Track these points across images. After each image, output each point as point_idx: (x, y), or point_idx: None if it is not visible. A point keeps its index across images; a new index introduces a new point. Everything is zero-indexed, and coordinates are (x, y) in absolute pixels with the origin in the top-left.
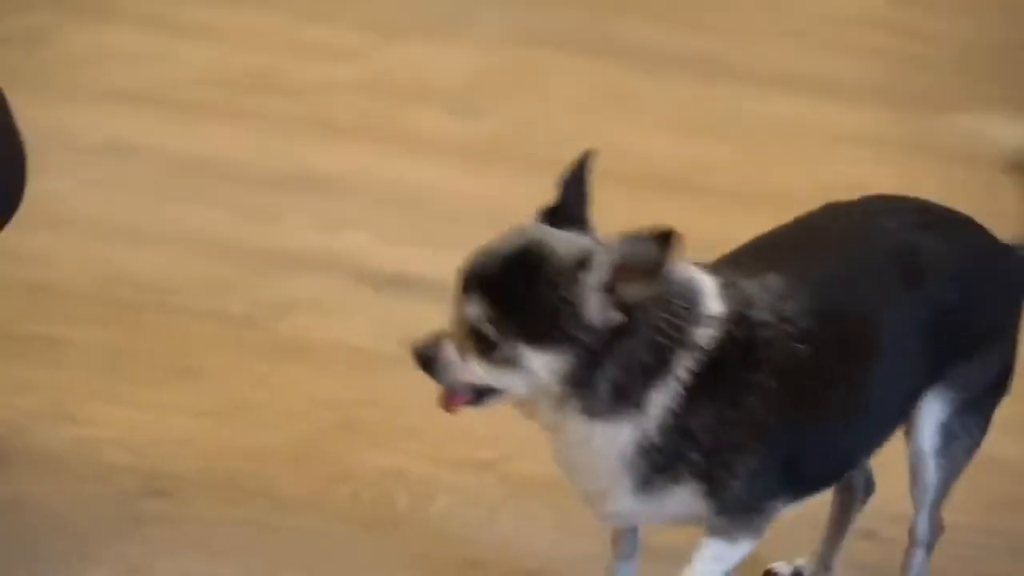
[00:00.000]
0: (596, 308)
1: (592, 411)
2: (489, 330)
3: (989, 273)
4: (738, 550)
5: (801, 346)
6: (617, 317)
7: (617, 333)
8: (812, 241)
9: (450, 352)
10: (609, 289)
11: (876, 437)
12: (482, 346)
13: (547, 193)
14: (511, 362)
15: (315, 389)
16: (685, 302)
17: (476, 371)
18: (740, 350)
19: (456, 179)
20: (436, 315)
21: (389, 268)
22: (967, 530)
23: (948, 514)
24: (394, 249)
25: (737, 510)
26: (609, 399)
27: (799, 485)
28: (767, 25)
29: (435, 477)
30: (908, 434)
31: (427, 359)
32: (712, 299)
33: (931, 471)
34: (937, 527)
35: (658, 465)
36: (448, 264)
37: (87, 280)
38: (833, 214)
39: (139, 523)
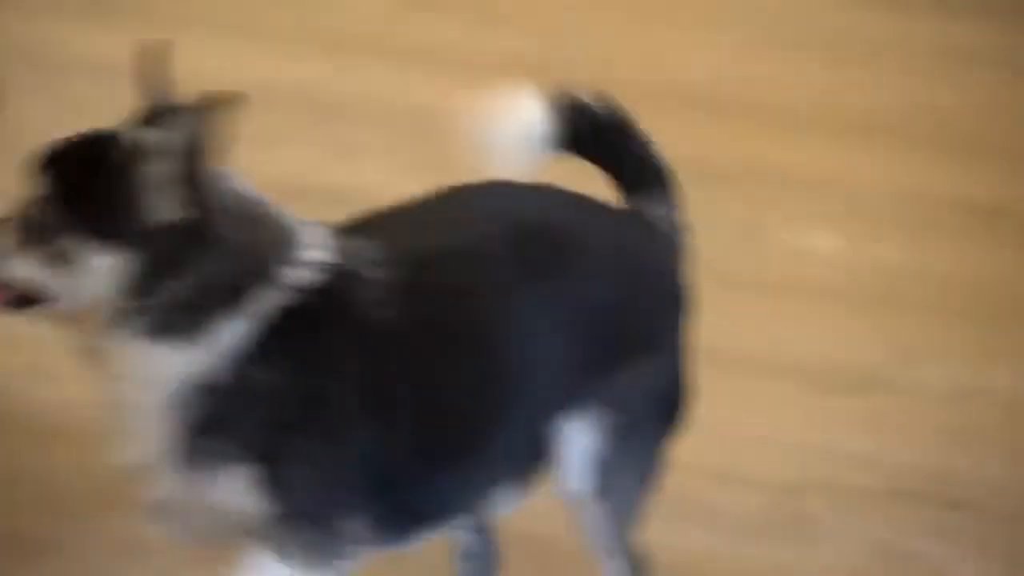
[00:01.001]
0: (159, 200)
1: (150, 329)
2: (45, 214)
3: (635, 266)
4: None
5: (403, 325)
6: (175, 214)
7: (188, 238)
8: (433, 217)
9: (7, 237)
10: (172, 180)
11: (501, 460)
12: (34, 235)
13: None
14: (66, 259)
15: None
16: (276, 235)
17: (22, 266)
18: (336, 310)
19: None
20: None
21: None
22: None
23: None
24: (421, 180)
25: (302, 521)
26: (168, 313)
27: (386, 506)
28: None
29: None
30: (554, 479)
31: None
32: (313, 247)
33: (598, 518)
34: (639, 564)
35: (210, 422)
36: None
37: None
38: (460, 194)
39: None
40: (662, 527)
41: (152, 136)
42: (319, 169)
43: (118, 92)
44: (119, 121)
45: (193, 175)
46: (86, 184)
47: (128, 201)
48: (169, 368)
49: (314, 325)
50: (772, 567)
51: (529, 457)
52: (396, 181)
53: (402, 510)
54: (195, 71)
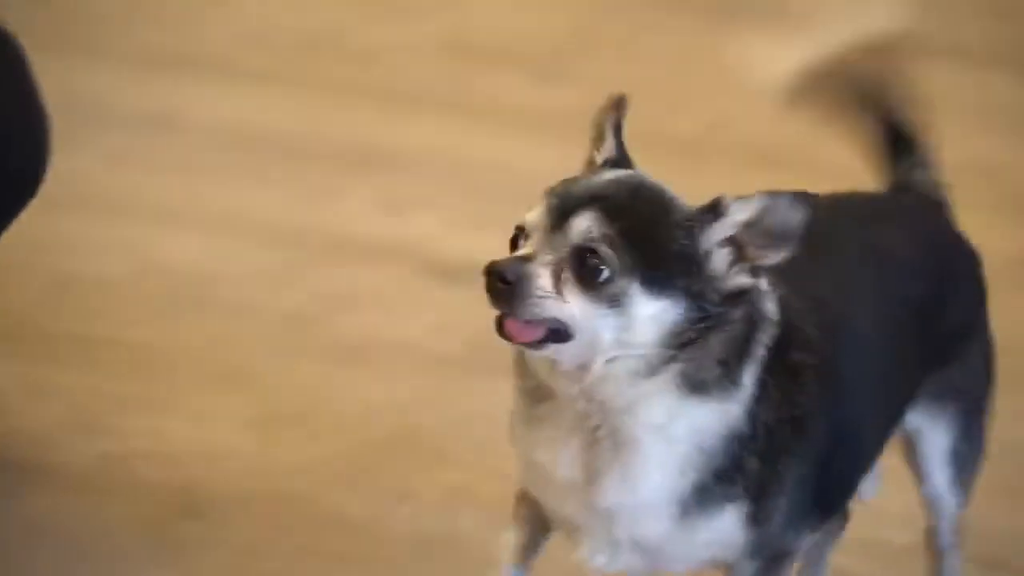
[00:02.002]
0: (724, 265)
1: (694, 383)
2: (607, 255)
3: (951, 263)
4: None
5: (822, 345)
6: (747, 281)
7: (734, 299)
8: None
9: (545, 279)
10: (738, 246)
11: (882, 439)
12: (590, 275)
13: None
14: (617, 301)
15: (373, 395)
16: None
17: (570, 306)
18: (790, 335)
19: (536, 154)
20: None
21: (459, 257)
22: None
23: None
24: (465, 235)
25: (764, 550)
26: (719, 369)
27: (826, 503)
28: None
29: (505, 497)
30: (916, 473)
31: (511, 283)
32: (768, 301)
33: (949, 500)
34: (960, 529)
35: (722, 470)
36: None
37: (118, 270)
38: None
39: (174, 548)
40: None
41: (737, 205)
42: (370, 220)
43: (157, 143)
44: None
45: (755, 257)
46: (650, 230)
47: (690, 255)
48: (701, 422)
49: (786, 359)
50: None
51: (894, 429)
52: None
53: (837, 497)
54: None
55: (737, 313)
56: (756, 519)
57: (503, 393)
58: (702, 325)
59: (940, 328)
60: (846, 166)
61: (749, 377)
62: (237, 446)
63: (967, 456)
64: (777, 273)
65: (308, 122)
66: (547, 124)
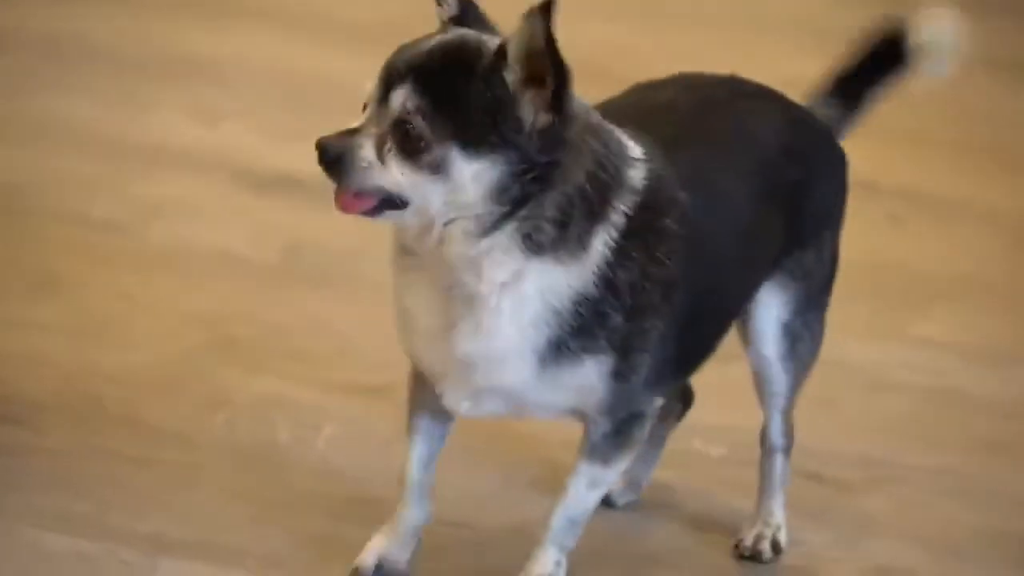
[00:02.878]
0: (526, 106)
1: (536, 244)
2: (421, 126)
3: (820, 151)
4: (612, 473)
5: (691, 207)
6: (546, 117)
7: (551, 147)
8: (666, 114)
9: (367, 151)
10: (535, 86)
11: (739, 307)
12: (410, 146)
13: None
14: (438, 167)
15: (188, 303)
16: (613, 141)
17: (395, 175)
18: (658, 202)
19: (355, 65)
20: (327, 221)
21: (275, 167)
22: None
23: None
24: (282, 146)
25: (624, 408)
26: (556, 230)
27: (684, 364)
28: None
29: (321, 405)
30: (748, 343)
31: (337, 157)
32: (632, 146)
33: (779, 376)
34: (791, 431)
35: (579, 326)
36: None
37: None
38: (667, 88)
39: None
40: None
41: (508, 40)
42: (186, 130)
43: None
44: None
45: (546, 79)
46: (458, 94)
47: (499, 108)
48: (548, 282)
49: (652, 225)
50: (623, 536)
51: (750, 298)
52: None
53: (694, 357)
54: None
55: (572, 165)
56: (619, 373)
57: (318, 302)
58: (528, 178)
59: (803, 210)
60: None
61: (600, 241)
62: (53, 353)
63: (800, 336)
64: (650, 142)
65: (123, 32)
66: (366, 36)
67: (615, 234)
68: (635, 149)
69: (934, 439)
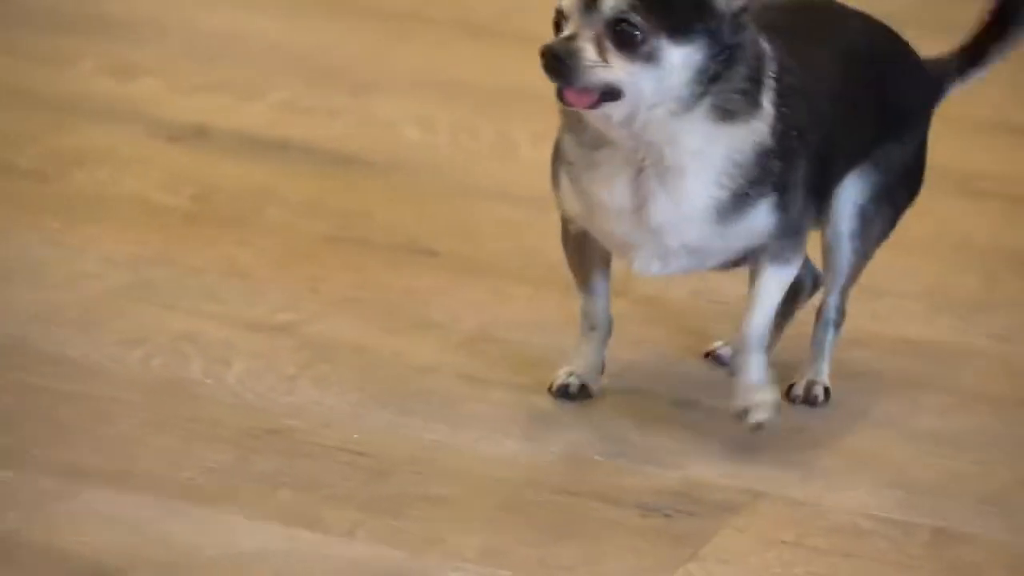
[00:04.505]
0: None
1: (724, 112)
2: (637, 21)
3: (905, 61)
4: (791, 271)
5: (805, 78)
6: (739, 3)
7: (738, 28)
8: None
9: (589, 51)
10: None
11: (847, 163)
12: (627, 41)
13: (366, 42)
14: (652, 57)
15: (108, 247)
16: (757, 36)
17: (615, 69)
18: (786, 67)
19: (262, 23)
20: (236, 169)
21: (187, 118)
22: None
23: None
24: (193, 98)
25: (789, 230)
26: (742, 98)
27: (819, 191)
28: None
29: (231, 341)
30: (826, 221)
31: (564, 59)
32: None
33: (846, 253)
34: (844, 309)
35: (754, 176)
36: (249, 115)
37: None
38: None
39: None
40: None
41: None
42: (100, 83)
43: None
44: None
45: None
46: None
47: (701, 3)
48: (735, 143)
49: (786, 85)
50: (509, 463)
51: (854, 164)
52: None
53: (817, 203)
54: None
55: (747, 44)
56: (781, 206)
57: (228, 245)
58: (722, 58)
59: (887, 105)
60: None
61: (767, 100)
62: None
63: (872, 221)
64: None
65: None
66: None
67: (771, 94)
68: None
69: None
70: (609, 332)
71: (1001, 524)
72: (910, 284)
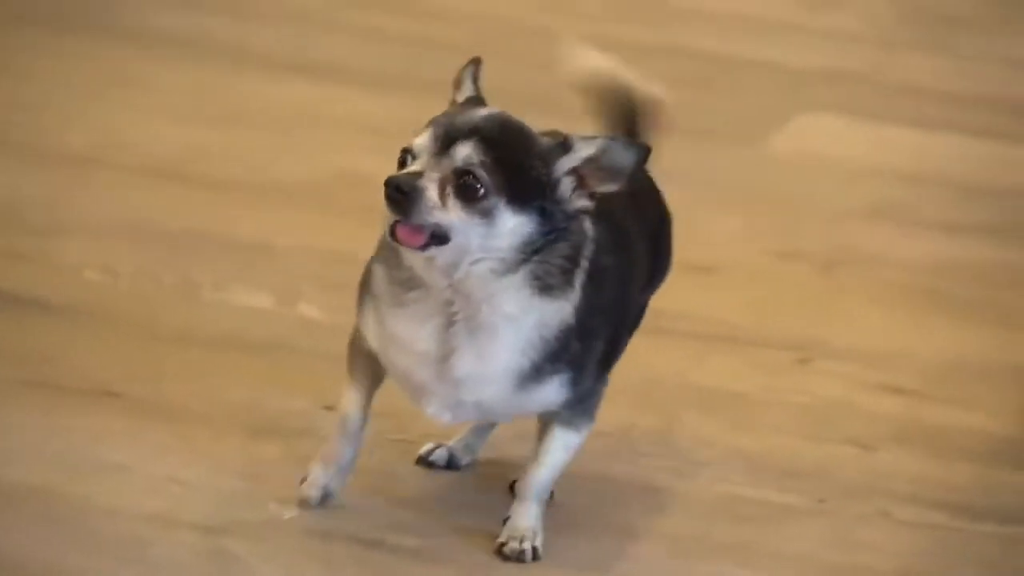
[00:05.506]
0: (569, 191)
1: (542, 284)
2: (482, 177)
3: (664, 210)
4: (579, 438)
5: (615, 254)
6: (587, 205)
7: (574, 217)
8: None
9: (431, 191)
10: (580, 176)
11: (634, 326)
12: (469, 192)
13: (47, 184)
14: (487, 214)
15: None
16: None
17: (450, 216)
18: (601, 246)
19: None
20: None
21: None
22: None
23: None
24: None
25: (583, 398)
26: (560, 275)
27: (608, 364)
28: (267, 6)
29: None
30: None
31: (408, 193)
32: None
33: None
34: None
35: (553, 351)
36: None
37: None
38: None
39: None
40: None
41: (576, 141)
42: None
43: None
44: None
45: (593, 186)
46: (516, 160)
47: (546, 180)
48: (545, 316)
49: (599, 266)
50: None
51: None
52: None
53: (613, 360)
54: None
55: (575, 229)
56: (575, 383)
57: None
58: (550, 236)
59: (659, 255)
60: (235, 180)
61: (578, 281)
62: None
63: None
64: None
65: None
66: None
67: (583, 276)
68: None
69: None
70: (361, 441)
71: None
72: (601, 423)
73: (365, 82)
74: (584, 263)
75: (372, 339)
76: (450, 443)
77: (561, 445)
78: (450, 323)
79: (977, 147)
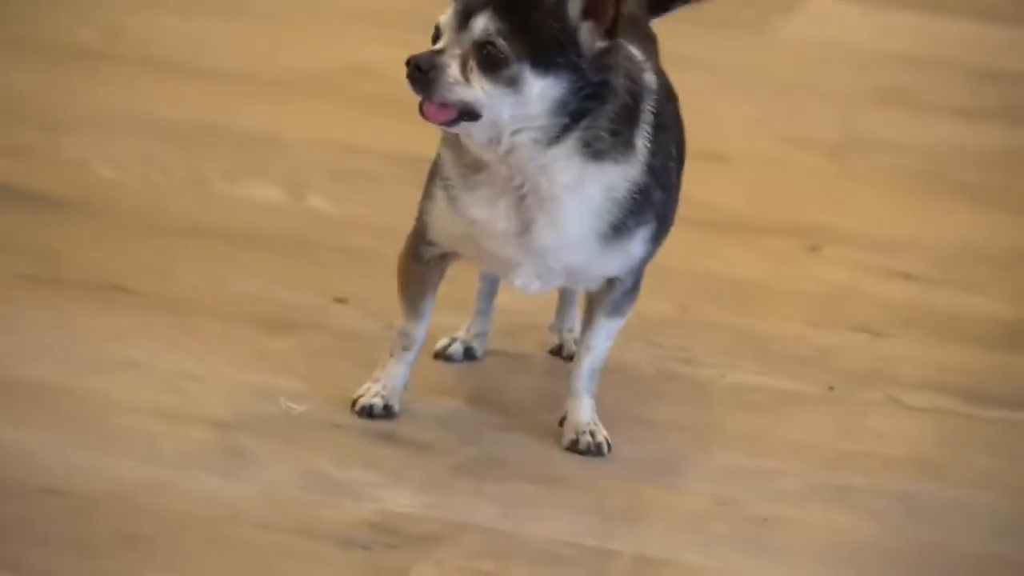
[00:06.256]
0: (585, 34)
1: (594, 150)
2: (502, 46)
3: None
4: (622, 322)
5: (665, 100)
6: (602, 43)
7: (603, 68)
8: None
9: (454, 68)
10: (592, 13)
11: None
12: (490, 63)
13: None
14: (513, 82)
15: None
16: (632, 54)
17: (476, 89)
18: (664, 97)
19: None
20: None
21: None
22: None
23: None
24: None
25: (645, 265)
26: (610, 138)
27: (662, 240)
28: None
29: None
30: None
31: (426, 71)
32: (638, 53)
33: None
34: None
35: (632, 208)
36: None
37: None
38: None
39: None
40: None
41: None
42: None
43: None
44: None
45: (604, 8)
46: (531, 21)
47: (563, 36)
48: (607, 182)
49: (665, 117)
50: (209, 500)
51: None
52: None
53: (665, 235)
54: None
55: (618, 84)
56: (657, 236)
57: None
58: (584, 94)
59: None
60: (240, 73)
61: (641, 140)
62: None
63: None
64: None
65: None
66: None
67: (648, 130)
68: (640, 56)
69: None
70: (417, 356)
71: (696, 549)
72: None
73: None
74: (647, 117)
75: (445, 226)
76: (460, 334)
77: (606, 334)
78: (520, 198)
79: (985, 31)
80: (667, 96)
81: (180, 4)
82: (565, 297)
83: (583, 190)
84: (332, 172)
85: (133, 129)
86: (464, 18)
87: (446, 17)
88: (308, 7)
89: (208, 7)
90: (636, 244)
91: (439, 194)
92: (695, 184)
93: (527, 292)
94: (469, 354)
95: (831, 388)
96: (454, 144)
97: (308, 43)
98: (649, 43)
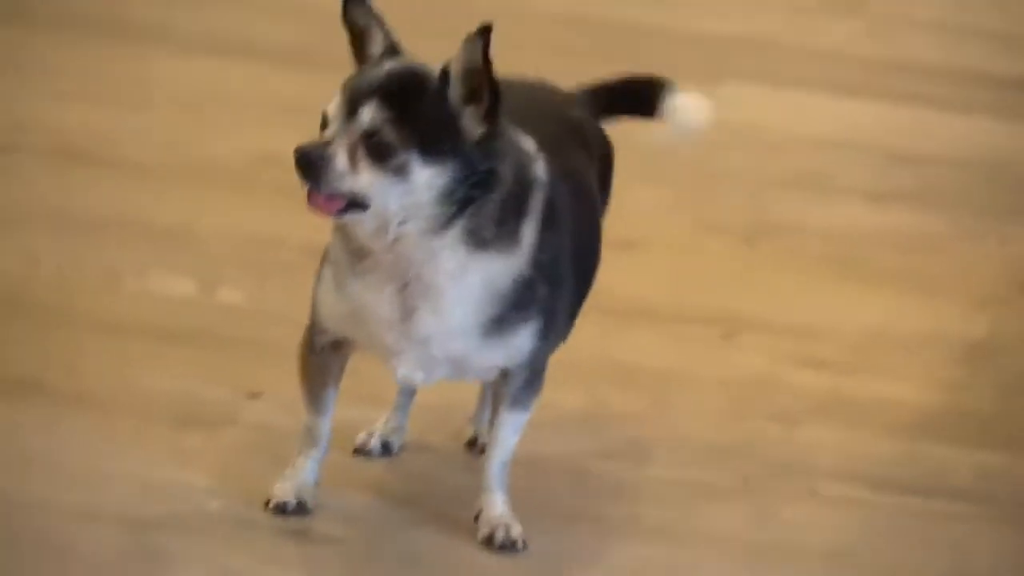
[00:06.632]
0: (468, 120)
1: (479, 239)
2: (390, 135)
3: (606, 143)
4: (527, 415)
5: (564, 194)
6: (482, 128)
7: (489, 156)
8: (528, 113)
9: (341, 158)
10: (468, 100)
11: (595, 264)
12: (378, 152)
13: None
14: (402, 171)
15: None
16: (522, 143)
17: (363, 180)
18: (556, 190)
19: None
20: None
21: None
22: None
23: None
24: None
25: (539, 360)
26: (495, 227)
27: (573, 316)
28: None
29: None
30: None
31: (315, 163)
32: (531, 144)
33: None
34: None
35: (516, 301)
36: None
37: None
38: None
39: None
40: None
41: (450, 63)
42: None
43: None
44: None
45: (481, 93)
46: (416, 108)
47: (448, 122)
48: (490, 272)
49: (556, 210)
50: None
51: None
52: None
53: (570, 325)
54: None
55: (505, 172)
56: (543, 332)
57: None
58: (470, 182)
59: (604, 188)
60: (150, 163)
61: (529, 232)
62: None
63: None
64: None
65: None
66: None
67: (537, 223)
68: (532, 146)
69: None
70: (326, 450)
71: None
72: None
73: (278, 59)
74: (536, 208)
75: (332, 311)
76: (378, 427)
77: (512, 427)
78: (404, 285)
79: (897, 113)
80: (572, 191)
81: (87, 94)
82: (486, 389)
83: (465, 279)
84: (244, 264)
85: (43, 222)
86: (351, 107)
87: (333, 106)
88: (214, 96)
89: (115, 97)
90: (521, 339)
91: (327, 275)
92: (607, 272)
93: (414, 383)
94: (386, 448)
95: (746, 479)
96: (342, 231)
97: (217, 132)
98: (594, 148)
